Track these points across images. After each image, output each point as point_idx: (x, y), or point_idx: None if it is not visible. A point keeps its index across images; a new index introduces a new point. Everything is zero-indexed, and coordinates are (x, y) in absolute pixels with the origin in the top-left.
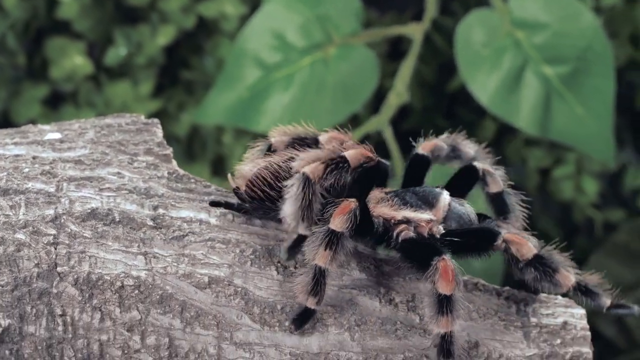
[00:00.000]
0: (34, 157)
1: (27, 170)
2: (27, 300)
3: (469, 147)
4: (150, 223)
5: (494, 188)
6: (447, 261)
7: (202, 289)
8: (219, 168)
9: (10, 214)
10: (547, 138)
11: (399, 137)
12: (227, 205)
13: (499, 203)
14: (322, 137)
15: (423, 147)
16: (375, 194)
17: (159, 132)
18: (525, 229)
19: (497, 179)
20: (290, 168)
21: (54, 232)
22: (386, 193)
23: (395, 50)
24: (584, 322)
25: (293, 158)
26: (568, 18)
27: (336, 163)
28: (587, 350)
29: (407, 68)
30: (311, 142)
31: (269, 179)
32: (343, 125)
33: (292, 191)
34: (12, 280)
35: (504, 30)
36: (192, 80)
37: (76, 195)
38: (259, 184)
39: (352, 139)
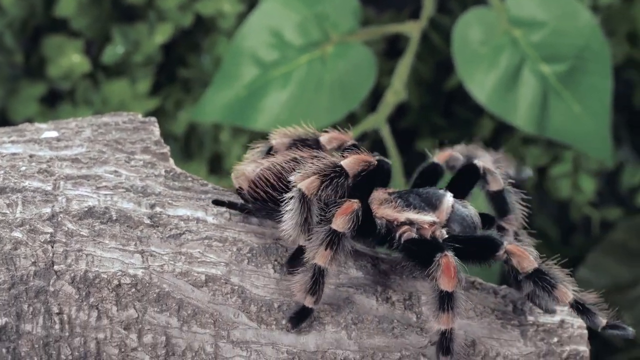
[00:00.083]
0: (30, 156)
1: (24, 168)
2: (24, 298)
3: (485, 158)
4: (147, 221)
5: (494, 186)
6: (449, 257)
7: (199, 287)
8: (216, 166)
9: (7, 212)
10: (545, 136)
11: (397, 136)
12: (230, 205)
13: (499, 201)
14: (323, 138)
15: (438, 157)
16: (378, 194)
17: (156, 131)
18: (524, 228)
19: (498, 178)
20: (293, 169)
21: (50, 230)
22: (389, 194)
23: (392, 49)
24: (580, 321)
25: (296, 159)
26: (565, 16)
27: (332, 176)
28: (584, 348)
29: (404, 66)
30: (312, 144)
31: (272, 180)
32: (341, 124)
33: (289, 207)
34: (9, 279)
35: (501, 28)
36: (189, 79)
37: (73, 194)
38: (262, 185)
39: (352, 139)
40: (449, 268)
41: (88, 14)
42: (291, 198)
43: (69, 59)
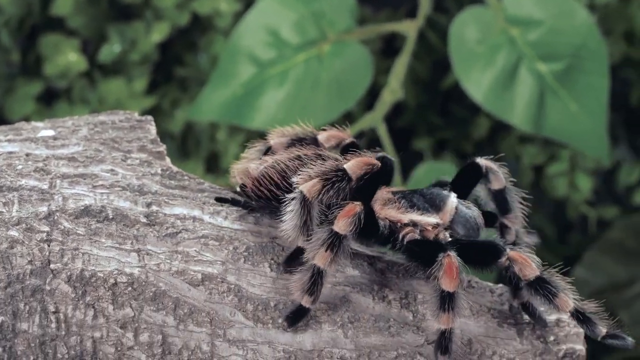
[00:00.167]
0: (27, 154)
1: (20, 167)
2: (20, 297)
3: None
4: (144, 220)
5: (496, 185)
6: (452, 257)
7: (196, 286)
8: (213, 165)
9: (4, 210)
10: (541, 135)
11: (393, 134)
12: (234, 202)
13: (500, 200)
14: (321, 136)
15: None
16: (382, 194)
17: (153, 129)
18: (524, 227)
19: (500, 176)
20: (298, 168)
21: (47, 229)
22: (393, 193)
23: (389, 47)
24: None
25: (300, 157)
26: (562, 15)
27: (334, 181)
28: (581, 347)
29: (401, 65)
30: (310, 142)
31: (275, 179)
32: (337, 123)
33: (289, 209)
34: (5, 278)
35: (498, 27)
36: (186, 77)
37: (69, 192)
38: (266, 184)
39: (350, 137)
40: (451, 268)
41: (84, 12)
42: (292, 199)
43: (65, 58)
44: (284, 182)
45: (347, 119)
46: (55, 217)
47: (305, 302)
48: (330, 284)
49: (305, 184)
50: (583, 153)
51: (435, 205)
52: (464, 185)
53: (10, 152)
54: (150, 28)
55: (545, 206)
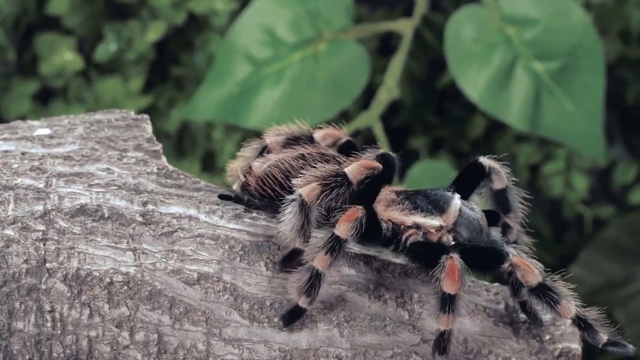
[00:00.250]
0: (23, 153)
1: (16, 166)
2: (15, 296)
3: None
4: (140, 219)
5: (498, 185)
6: (454, 260)
7: (191, 285)
8: (209, 164)
9: None
10: (537, 134)
11: (389, 133)
12: (237, 200)
13: (501, 199)
14: (317, 135)
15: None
16: (386, 194)
17: (149, 128)
18: (523, 226)
19: (502, 176)
20: (302, 167)
21: (43, 228)
22: (397, 194)
23: (385, 46)
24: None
25: (304, 156)
26: (558, 14)
27: (333, 186)
28: (577, 346)
29: (397, 64)
30: (306, 141)
31: (279, 179)
32: (333, 122)
33: (287, 210)
34: (1, 277)
35: (494, 26)
36: (182, 76)
37: (65, 191)
38: (270, 183)
39: (346, 135)
40: (453, 271)
41: (80, 11)
42: (292, 201)
43: (61, 57)
44: (287, 182)
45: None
46: (51, 216)
47: (302, 302)
48: (326, 283)
49: (305, 187)
50: (579, 152)
51: (438, 207)
52: (466, 184)
53: (6, 151)
54: (146, 27)
55: (541, 205)
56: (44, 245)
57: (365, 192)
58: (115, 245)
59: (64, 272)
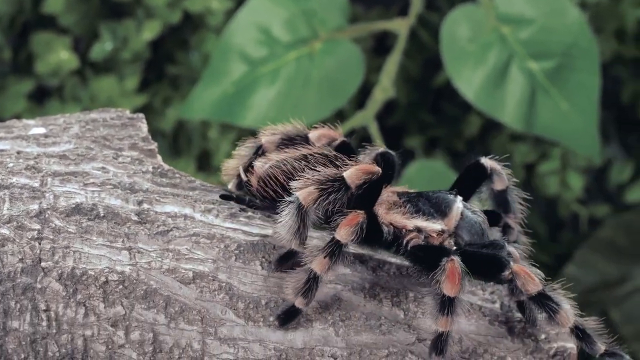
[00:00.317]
0: (18, 152)
1: (11, 165)
2: (11, 295)
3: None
4: (135, 218)
5: (499, 185)
6: (455, 262)
7: (187, 284)
8: (205, 163)
9: None
10: (532, 133)
11: (385, 132)
12: (238, 200)
13: (501, 200)
14: (312, 135)
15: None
16: (387, 196)
17: (144, 127)
18: (521, 226)
19: (504, 177)
20: (304, 169)
21: (38, 227)
22: (399, 196)
23: (380, 46)
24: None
25: (306, 157)
26: (554, 13)
27: (330, 191)
28: (572, 345)
29: (392, 63)
30: (301, 141)
31: (281, 180)
32: (329, 121)
33: (284, 212)
34: None
35: (489, 25)
36: (177, 75)
37: (61, 190)
38: (272, 184)
39: (342, 136)
40: (453, 274)
41: (76, 10)
42: (289, 204)
43: (57, 56)
44: (289, 183)
45: (339, 117)
46: (47, 215)
47: (299, 303)
48: (323, 286)
49: (302, 190)
50: (574, 151)
51: (440, 210)
52: (468, 185)
53: (1, 150)
54: (141, 26)
55: (536, 205)
56: (39, 244)
57: (365, 195)
58: (110, 244)
59: (60, 271)
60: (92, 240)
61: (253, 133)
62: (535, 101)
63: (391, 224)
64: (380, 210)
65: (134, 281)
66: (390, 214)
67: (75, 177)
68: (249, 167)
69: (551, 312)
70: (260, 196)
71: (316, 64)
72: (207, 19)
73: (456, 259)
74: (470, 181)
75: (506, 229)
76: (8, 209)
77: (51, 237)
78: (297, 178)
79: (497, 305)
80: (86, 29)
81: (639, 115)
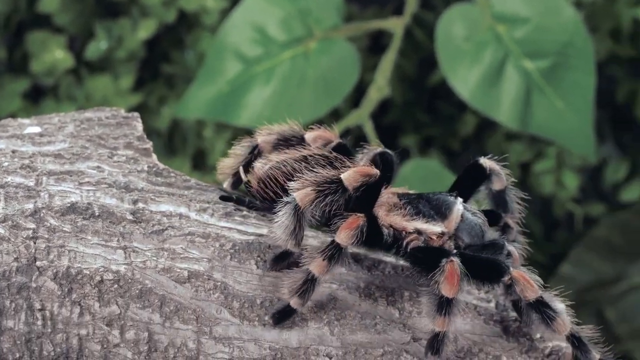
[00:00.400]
0: (13, 151)
1: (6, 164)
2: (6, 294)
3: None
4: (130, 217)
5: (497, 186)
6: (454, 264)
7: (182, 283)
8: (200, 162)
9: None
10: (528, 132)
11: (380, 131)
12: (238, 202)
13: (499, 200)
14: (308, 136)
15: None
16: (388, 197)
17: (139, 126)
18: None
19: (502, 177)
20: (303, 170)
21: (33, 226)
22: (399, 197)
23: (376, 45)
24: (560, 305)
25: (307, 158)
26: (549, 12)
27: (327, 192)
28: (567, 344)
29: (387, 62)
30: (297, 142)
31: (281, 181)
32: (324, 120)
33: (281, 213)
34: None
35: (484, 24)
36: (173, 74)
37: (56, 189)
38: (272, 185)
39: (337, 138)
40: (452, 275)
41: (71, 9)
42: (286, 204)
43: (52, 55)
44: (289, 185)
45: (334, 116)
46: (42, 214)
47: (294, 303)
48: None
49: (299, 192)
50: (569, 150)
51: (440, 212)
52: (467, 186)
53: None
54: (136, 25)
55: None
56: (35, 243)
57: (364, 197)
58: (105, 244)
59: (55, 271)
60: (87, 239)
61: (248, 132)
62: (531, 100)
63: (391, 226)
64: (381, 212)
65: (129, 280)
66: (391, 215)
67: (70, 176)
68: (247, 168)
69: (548, 320)
70: (261, 197)
71: (311, 63)
72: (203, 18)
73: (456, 260)
74: (469, 182)
75: (505, 229)
76: (3, 208)
77: (46, 236)
78: (297, 179)
79: (492, 304)
80: (81, 28)
81: (634, 115)
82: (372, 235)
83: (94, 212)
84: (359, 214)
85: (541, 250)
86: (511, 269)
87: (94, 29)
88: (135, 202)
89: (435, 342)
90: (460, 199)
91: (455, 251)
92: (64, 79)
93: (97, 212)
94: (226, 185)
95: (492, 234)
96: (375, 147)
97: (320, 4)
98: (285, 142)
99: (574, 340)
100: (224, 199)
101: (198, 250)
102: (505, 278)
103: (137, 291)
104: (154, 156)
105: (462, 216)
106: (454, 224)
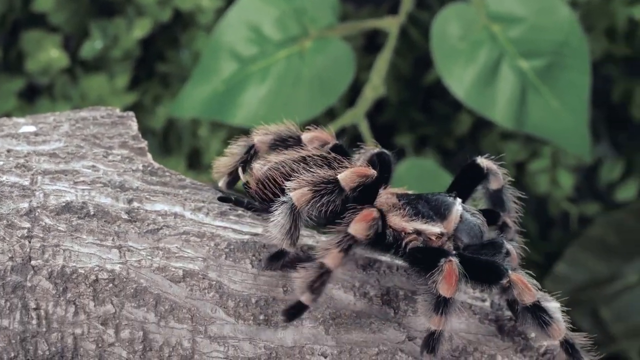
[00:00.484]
0: (8, 150)
1: (1, 163)
2: (1, 293)
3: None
4: (125, 216)
5: (494, 185)
6: (453, 264)
7: (177, 282)
8: (195, 161)
9: None
10: (523, 132)
11: (375, 131)
12: (237, 203)
13: (496, 199)
14: (305, 136)
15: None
16: (387, 198)
17: (134, 125)
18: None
19: (499, 177)
20: (302, 171)
21: (28, 225)
22: (398, 198)
23: (371, 44)
24: (558, 316)
25: (305, 159)
26: (544, 12)
27: (323, 193)
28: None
29: (383, 61)
30: (294, 143)
31: (280, 182)
32: (319, 119)
33: (277, 212)
34: None
35: (480, 23)
36: (168, 73)
37: (51, 189)
38: (270, 186)
39: (334, 138)
40: (450, 275)
41: (66, 8)
42: (282, 204)
43: (47, 54)
44: (286, 185)
45: (329, 115)
46: (37, 214)
47: (306, 299)
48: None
49: (296, 191)
50: (564, 150)
51: (439, 213)
52: (465, 186)
53: None
54: (132, 24)
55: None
56: (29, 242)
57: (361, 198)
58: (100, 243)
59: (49, 270)
60: (82, 238)
61: (243, 131)
62: (526, 100)
63: (390, 226)
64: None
65: (124, 279)
66: (390, 216)
67: (65, 175)
68: (245, 168)
69: (544, 324)
70: (260, 198)
71: (307, 62)
72: (198, 17)
73: (454, 260)
74: (467, 181)
75: (503, 228)
76: None
77: (41, 235)
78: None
79: (487, 303)
80: (76, 27)
81: (630, 114)
82: (375, 235)
83: (89, 211)
84: (372, 208)
85: (536, 249)
86: (510, 271)
87: (89, 28)
88: (130, 201)
89: (431, 341)
90: (459, 200)
91: (454, 252)
92: (59, 78)
93: (92, 211)
94: (221, 184)
95: (490, 233)
96: (373, 147)
97: (315, 3)
98: (281, 142)
99: (568, 346)
100: (222, 200)
101: (193, 249)
102: (504, 281)
103: (132, 290)
104: (149, 155)
105: (461, 217)
106: (453, 225)
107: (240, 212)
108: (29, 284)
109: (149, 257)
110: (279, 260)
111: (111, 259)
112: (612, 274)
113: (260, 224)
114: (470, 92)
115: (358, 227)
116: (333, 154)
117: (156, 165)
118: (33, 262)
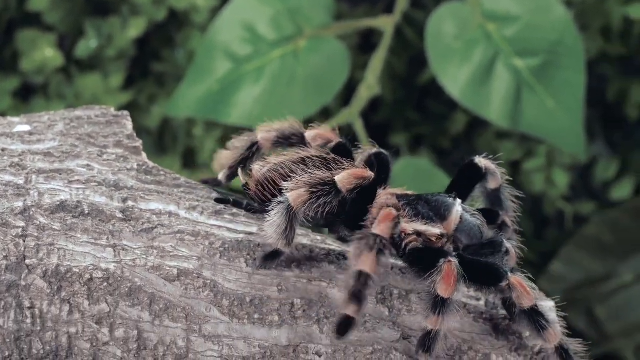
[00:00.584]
0: (2, 150)
1: None
2: None
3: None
4: (120, 215)
5: (492, 185)
6: (452, 264)
7: (171, 281)
8: (190, 161)
9: None
10: (518, 131)
11: (370, 130)
12: (235, 204)
13: (494, 198)
14: (308, 134)
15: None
16: (386, 199)
17: (129, 125)
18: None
19: (497, 176)
20: (302, 172)
21: (22, 224)
22: (398, 199)
23: (366, 43)
24: (553, 315)
25: (304, 160)
26: (539, 11)
27: (319, 194)
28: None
29: (378, 60)
30: (297, 141)
31: (279, 183)
32: (314, 118)
33: (273, 212)
34: None
35: (475, 22)
36: (163, 73)
37: (45, 188)
38: (270, 188)
39: (338, 137)
40: (449, 275)
41: (61, 8)
42: (279, 204)
43: (42, 53)
44: (283, 185)
45: (324, 114)
46: (31, 213)
47: (352, 311)
48: (306, 279)
49: (292, 192)
50: (560, 149)
51: (439, 214)
52: (463, 186)
53: None
54: (126, 23)
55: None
56: (24, 241)
57: (359, 199)
58: (95, 242)
59: (44, 269)
60: (76, 237)
61: (238, 131)
62: (521, 99)
63: None
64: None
65: (119, 278)
66: None
67: (60, 174)
68: (245, 166)
69: (540, 328)
70: (259, 199)
71: (301, 62)
72: (193, 16)
73: (454, 260)
74: (465, 181)
75: (502, 227)
76: None
77: (36, 234)
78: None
79: (482, 302)
80: (71, 27)
81: (625, 113)
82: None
83: (84, 210)
84: (389, 207)
85: (531, 248)
86: (509, 274)
87: (83, 27)
88: (124, 200)
89: (427, 340)
90: (459, 201)
91: (453, 252)
92: (53, 78)
93: (87, 210)
94: (221, 176)
95: (489, 232)
96: (371, 147)
97: (310, 2)
98: (285, 140)
99: (562, 352)
100: (219, 201)
101: (187, 248)
102: (503, 284)
103: (127, 289)
104: (144, 154)
105: (461, 218)
106: (453, 226)
107: (234, 211)
108: (23, 283)
109: (144, 256)
110: (274, 260)
111: (106, 257)
112: (608, 273)
113: (255, 224)
114: (465, 91)
115: (383, 227)
116: (332, 155)
117: (151, 164)
118: (27, 261)
